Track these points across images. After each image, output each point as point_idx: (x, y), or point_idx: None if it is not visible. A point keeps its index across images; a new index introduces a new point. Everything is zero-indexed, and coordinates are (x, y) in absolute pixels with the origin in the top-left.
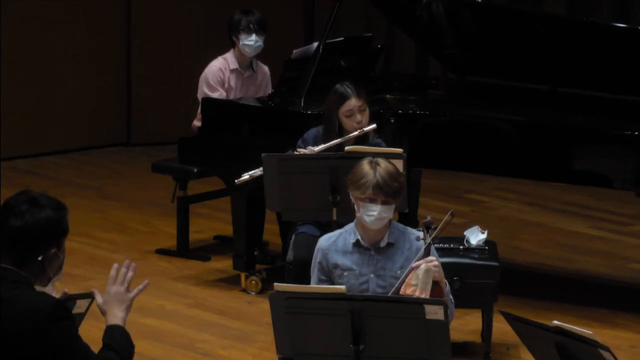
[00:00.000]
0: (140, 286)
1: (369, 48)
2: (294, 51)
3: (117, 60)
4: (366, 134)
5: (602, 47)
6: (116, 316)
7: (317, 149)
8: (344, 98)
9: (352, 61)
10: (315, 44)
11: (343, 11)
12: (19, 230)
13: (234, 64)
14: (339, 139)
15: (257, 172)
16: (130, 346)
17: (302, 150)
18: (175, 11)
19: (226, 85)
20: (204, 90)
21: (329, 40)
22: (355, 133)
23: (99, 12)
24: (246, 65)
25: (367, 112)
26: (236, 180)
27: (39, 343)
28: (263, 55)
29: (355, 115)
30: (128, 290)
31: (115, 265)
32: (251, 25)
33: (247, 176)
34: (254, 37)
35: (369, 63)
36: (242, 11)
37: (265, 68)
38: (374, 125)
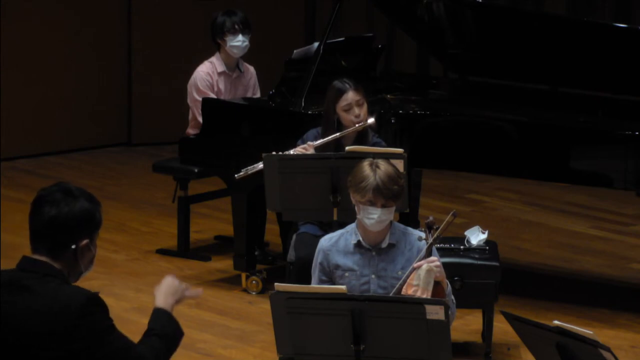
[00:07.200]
0: (194, 292)
1: (370, 48)
2: (295, 51)
3: (118, 59)
4: (365, 132)
5: (603, 47)
6: (167, 302)
7: (315, 143)
8: (341, 92)
9: (353, 61)
10: (316, 44)
11: (344, 11)
12: (54, 218)
13: (221, 67)
14: (337, 134)
15: (257, 167)
16: (178, 333)
17: (299, 148)
18: (176, 10)
19: (215, 89)
20: (194, 96)
21: (330, 40)
22: (354, 127)
23: (99, 12)
24: (233, 66)
25: (365, 107)
26: (236, 175)
27: (72, 340)
28: (264, 55)
29: (353, 109)
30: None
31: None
32: (236, 26)
33: (244, 172)
34: (240, 37)
35: (370, 63)
36: (225, 12)
37: (252, 68)
38: (372, 120)
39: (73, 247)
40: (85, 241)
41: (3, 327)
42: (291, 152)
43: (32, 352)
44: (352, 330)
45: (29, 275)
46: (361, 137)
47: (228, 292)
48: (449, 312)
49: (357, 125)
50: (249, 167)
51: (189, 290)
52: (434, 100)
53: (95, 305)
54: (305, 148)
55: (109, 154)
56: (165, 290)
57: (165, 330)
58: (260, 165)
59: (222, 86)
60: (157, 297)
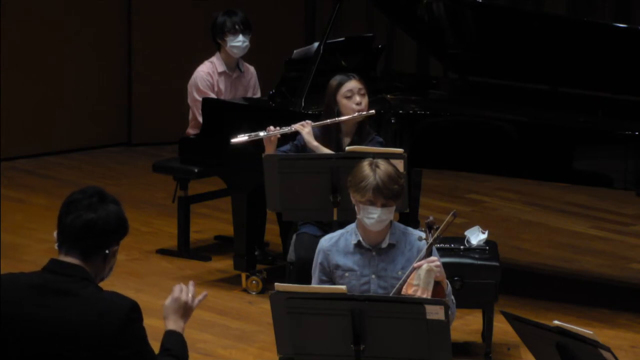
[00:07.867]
0: (200, 297)
1: (370, 48)
2: (295, 51)
3: (118, 59)
4: (364, 126)
5: (603, 47)
6: (177, 324)
7: (315, 124)
8: (344, 80)
9: (353, 61)
10: (316, 44)
11: (344, 11)
12: (93, 222)
13: (221, 67)
14: (337, 119)
15: (256, 134)
16: (187, 356)
17: (297, 124)
18: (176, 10)
19: (215, 89)
20: (194, 96)
21: (330, 40)
22: (355, 115)
23: (99, 12)
24: (233, 66)
25: (366, 98)
26: (232, 140)
27: (116, 346)
28: (264, 55)
29: (355, 96)
30: (192, 301)
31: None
32: (237, 26)
33: (246, 137)
34: (240, 37)
35: (370, 63)
36: (225, 12)
37: (252, 68)
38: (373, 111)
39: (107, 252)
40: (116, 247)
41: (42, 332)
42: (291, 127)
43: (73, 356)
44: (352, 330)
45: (64, 278)
46: (360, 130)
47: (228, 292)
48: (449, 312)
49: (357, 113)
50: (249, 134)
51: (196, 301)
52: (434, 100)
53: (137, 312)
54: (303, 125)
55: (109, 154)
56: (175, 312)
57: (179, 352)
58: (260, 134)
59: (222, 86)
60: (168, 319)
